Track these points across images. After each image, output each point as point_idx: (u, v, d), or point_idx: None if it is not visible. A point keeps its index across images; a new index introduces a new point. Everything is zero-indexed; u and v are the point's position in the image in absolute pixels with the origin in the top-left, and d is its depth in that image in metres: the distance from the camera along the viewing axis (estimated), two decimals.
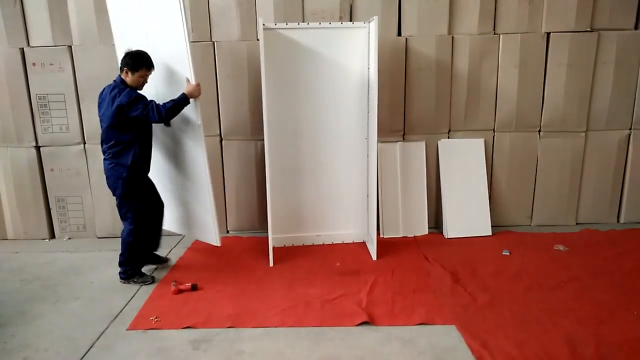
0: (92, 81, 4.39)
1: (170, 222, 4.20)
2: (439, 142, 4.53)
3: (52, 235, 4.74)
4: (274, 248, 3.99)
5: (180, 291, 3.49)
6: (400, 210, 4.48)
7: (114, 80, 3.48)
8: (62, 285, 3.70)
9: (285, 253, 4.15)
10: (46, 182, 4.62)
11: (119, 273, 3.70)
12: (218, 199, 4.61)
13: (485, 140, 4.54)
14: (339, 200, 4.31)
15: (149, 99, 3.44)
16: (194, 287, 3.53)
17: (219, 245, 3.87)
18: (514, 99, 4.45)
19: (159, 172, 3.98)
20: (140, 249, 3.72)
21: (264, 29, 3.68)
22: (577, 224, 4.71)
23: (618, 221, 4.75)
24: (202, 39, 4.36)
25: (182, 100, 3.42)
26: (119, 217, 4.59)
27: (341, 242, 4.39)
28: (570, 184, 4.62)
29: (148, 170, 3.70)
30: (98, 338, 2.98)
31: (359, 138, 4.18)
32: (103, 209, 4.63)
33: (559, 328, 2.92)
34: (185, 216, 4.11)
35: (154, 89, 3.72)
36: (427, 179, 4.52)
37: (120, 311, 3.29)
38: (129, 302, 3.41)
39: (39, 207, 4.65)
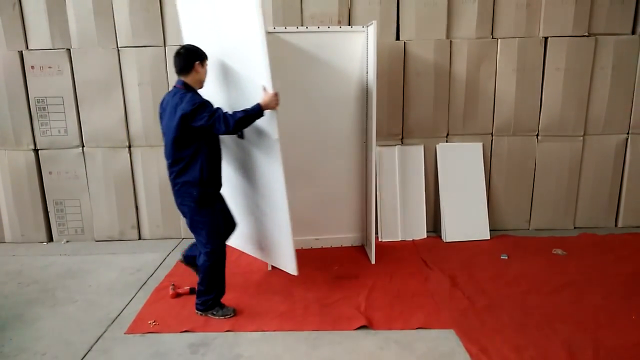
0: (90, 84, 4.40)
1: (242, 242, 3.88)
2: (437, 146, 4.53)
3: (50, 239, 4.73)
4: None
5: (178, 295, 3.49)
6: (398, 214, 4.48)
7: (174, 86, 3.07)
8: (60, 289, 3.69)
9: None
10: (44, 185, 4.61)
11: (196, 304, 3.25)
12: None
13: (483, 145, 4.55)
14: (338, 204, 4.31)
15: (215, 106, 2.99)
16: (192, 291, 3.51)
17: (295, 274, 3.40)
18: (512, 103, 4.46)
19: (231, 186, 3.57)
20: (221, 275, 3.25)
21: None
22: (575, 228, 4.72)
23: (616, 225, 4.76)
24: None
25: (256, 112, 2.95)
26: (118, 220, 4.63)
27: (340, 246, 4.38)
28: (568, 188, 4.63)
29: (220, 186, 3.25)
30: (96, 342, 2.97)
31: (358, 142, 4.19)
32: (101, 212, 4.63)
33: (558, 332, 2.93)
34: (259, 238, 3.70)
35: (225, 97, 3.36)
36: (425, 183, 4.53)
37: (118, 315, 3.28)
38: (127, 305, 3.40)
39: (37, 210, 4.64)
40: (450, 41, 4.38)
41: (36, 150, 4.56)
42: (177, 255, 4.21)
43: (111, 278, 3.84)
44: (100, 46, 4.36)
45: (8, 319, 3.26)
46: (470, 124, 4.53)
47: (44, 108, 4.47)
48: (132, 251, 4.40)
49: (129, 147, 4.54)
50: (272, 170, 3.17)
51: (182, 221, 4.64)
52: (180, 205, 3.15)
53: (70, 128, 4.50)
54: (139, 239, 4.71)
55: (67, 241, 4.70)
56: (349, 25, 4.29)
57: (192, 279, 3.72)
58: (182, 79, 3.05)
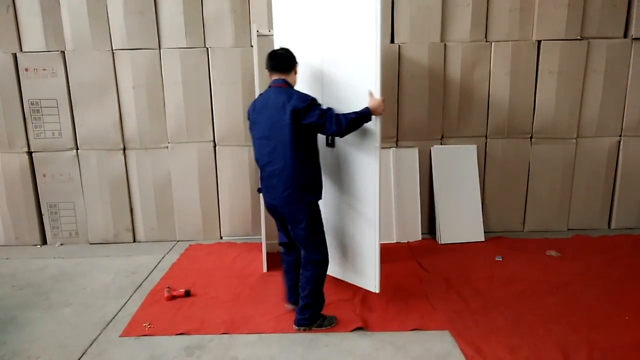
0: (85, 87, 4.39)
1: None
2: (431, 148, 4.55)
3: (44, 242, 4.70)
4: (267, 253, 3.98)
5: (173, 297, 3.48)
6: (393, 216, 4.49)
7: (273, 86, 2.95)
8: (54, 292, 3.67)
9: (279, 258, 4.13)
10: (38, 188, 4.59)
11: (300, 320, 3.04)
12: (211, 204, 4.62)
13: (477, 147, 4.57)
14: None
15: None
16: (187, 293, 3.51)
17: (377, 292, 3.29)
18: (506, 105, 4.49)
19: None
20: (323, 284, 3.12)
21: (257, 35, 3.69)
22: (568, 229, 4.75)
23: (609, 227, 4.79)
24: (196, 45, 4.36)
25: (366, 115, 2.88)
26: (112, 223, 4.61)
27: None
28: (561, 190, 4.66)
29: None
30: (90, 345, 2.96)
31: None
32: (95, 215, 4.61)
33: (552, 333, 2.94)
34: (338, 250, 3.53)
35: (329, 101, 3.22)
36: (420, 185, 4.54)
37: (113, 317, 3.26)
38: (121, 308, 3.39)
39: (30, 213, 4.61)
40: (445, 44, 4.41)
41: (30, 153, 4.53)
42: (172, 258, 4.22)
43: (106, 281, 3.82)
44: (95, 48, 4.35)
45: (1, 322, 3.24)
46: (465, 127, 4.56)
47: (38, 110, 4.45)
48: (126, 254, 4.38)
49: (124, 149, 4.53)
50: (368, 177, 3.14)
51: (178, 223, 4.64)
52: (295, 212, 2.93)
53: (64, 130, 4.48)
54: (134, 241, 4.69)
55: (61, 244, 4.67)
56: None
57: (187, 281, 3.73)
58: (283, 77, 2.95)
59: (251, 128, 3.04)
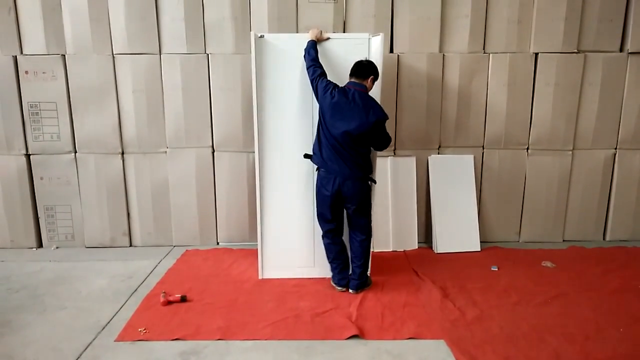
0: (84, 90, 4.40)
1: None
2: (429, 157, 4.58)
3: (40, 244, 4.69)
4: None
5: (169, 302, 3.47)
6: (390, 225, 4.51)
7: (355, 89, 3.38)
8: (49, 295, 3.66)
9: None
10: (35, 191, 4.58)
11: (359, 284, 3.62)
12: (209, 210, 4.63)
13: (474, 157, 4.60)
14: None
15: None
16: (183, 299, 3.51)
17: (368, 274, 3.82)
18: (503, 116, 4.53)
19: None
20: None
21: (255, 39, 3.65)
22: (564, 240, 4.77)
23: (604, 239, 4.82)
24: (196, 51, 4.39)
25: None
26: (109, 226, 4.60)
27: None
28: (557, 201, 4.70)
29: None
30: (85, 349, 2.95)
31: None
32: (92, 218, 4.60)
33: (546, 344, 2.96)
34: None
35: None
36: (417, 194, 4.56)
37: (109, 322, 3.26)
38: (117, 312, 3.38)
39: (27, 216, 4.60)
40: (443, 55, 4.45)
41: (28, 156, 4.53)
42: (168, 263, 4.22)
43: (101, 285, 3.81)
44: (96, 52, 4.36)
45: None
46: (462, 137, 4.59)
47: (37, 113, 4.45)
48: (123, 258, 4.37)
49: (122, 153, 4.53)
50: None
51: (174, 228, 4.64)
52: (361, 195, 3.48)
53: (63, 134, 4.48)
54: (130, 245, 4.69)
55: (57, 247, 4.66)
56: None
57: (183, 286, 3.73)
58: (361, 82, 3.43)
59: (326, 112, 3.41)
